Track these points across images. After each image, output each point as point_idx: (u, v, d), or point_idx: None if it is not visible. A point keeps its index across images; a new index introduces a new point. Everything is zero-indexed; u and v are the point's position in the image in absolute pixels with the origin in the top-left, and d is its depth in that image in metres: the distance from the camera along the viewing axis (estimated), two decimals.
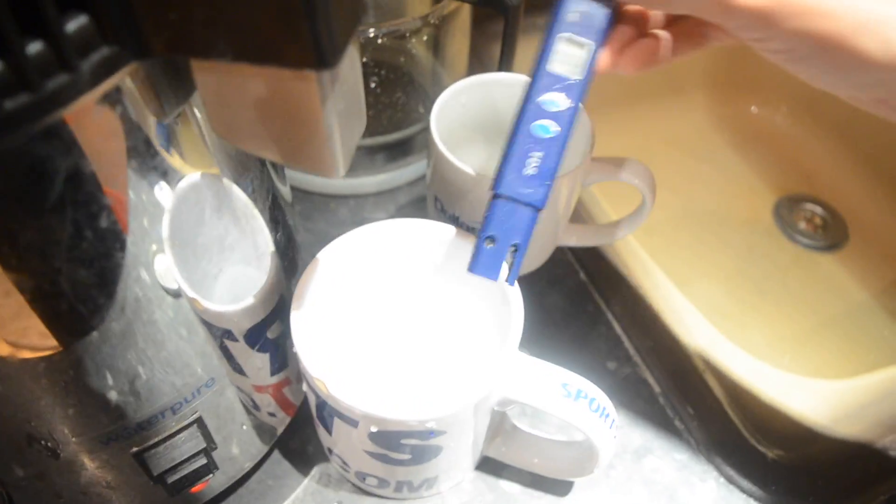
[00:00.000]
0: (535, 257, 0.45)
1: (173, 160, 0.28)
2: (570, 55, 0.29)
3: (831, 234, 0.70)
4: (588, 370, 0.47)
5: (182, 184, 0.28)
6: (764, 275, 0.68)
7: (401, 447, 0.34)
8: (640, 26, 0.32)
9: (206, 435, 0.35)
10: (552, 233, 0.44)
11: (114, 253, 0.27)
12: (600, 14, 0.29)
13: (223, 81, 0.23)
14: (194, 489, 0.37)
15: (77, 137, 0.22)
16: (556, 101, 0.29)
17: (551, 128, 0.29)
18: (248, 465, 0.41)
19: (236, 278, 0.34)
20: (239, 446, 0.40)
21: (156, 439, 0.33)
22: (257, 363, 0.37)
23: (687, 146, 0.77)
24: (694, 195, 0.72)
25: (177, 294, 0.30)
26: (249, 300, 0.34)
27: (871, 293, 0.67)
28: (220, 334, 0.34)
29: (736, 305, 0.65)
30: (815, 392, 0.50)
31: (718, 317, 0.54)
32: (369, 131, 0.51)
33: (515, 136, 0.30)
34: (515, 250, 0.32)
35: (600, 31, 0.29)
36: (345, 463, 0.40)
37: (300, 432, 0.44)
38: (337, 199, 0.56)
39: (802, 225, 0.71)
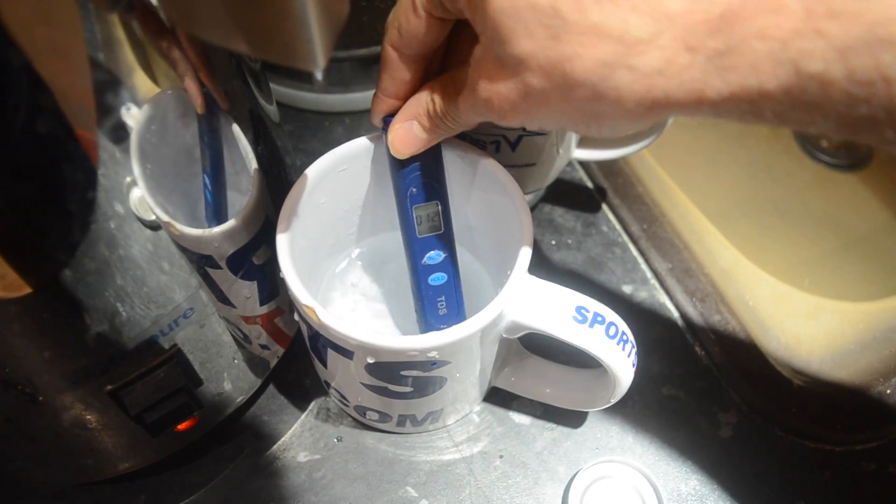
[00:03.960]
0: (544, 175, 0.42)
1: (132, 65, 0.24)
2: (427, 219, 0.34)
3: (854, 152, 0.66)
4: (603, 294, 0.45)
5: (146, 94, 0.25)
6: (783, 195, 0.64)
7: (401, 379, 0.32)
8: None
9: (188, 371, 0.32)
10: (563, 146, 0.40)
11: (72, 172, 0.23)
12: (434, 176, 0.33)
13: None
14: (181, 427, 0.35)
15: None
16: (434, 255, 0.34)
17: (442, 275, 0.35)
18: (241, 400, 0.38)
19: None
20: (230, 381, 0.37)
21: (131, 376, 0.30)
22: (244, 292, 0.34)
23: None
24: None
25: (152, 223, 0.27)
26: (230, 222, 0.31)
27: (894, 213, 0.63)
28: (200, 261, 0.31)
29: (754, 226, 0.61)
30: (843, 315, 0.48)
31: (736, 238, 0.51)
32: (363, 41, 0.47)
33: (419, 291, 0.35)
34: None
35: (439, 187, 0.33)
36: (343, 397, 0.37)
37: (296, 365, 0.41)
38: (331, 117, 0.52)
39: (824, 143, 0.67)
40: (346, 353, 0.30)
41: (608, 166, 0.49)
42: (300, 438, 0.39)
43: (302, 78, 0.50)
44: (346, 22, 0.24)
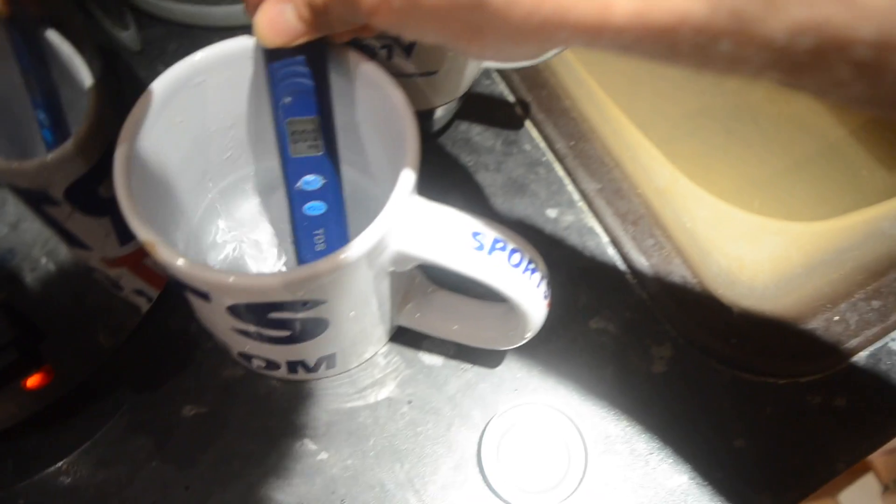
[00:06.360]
0: (450, 86, 0.37)
1: None
2: (303, 136, 0.28)
3: None
4: (525, 219, 0.40)
5: None
6: (732, 112, 0.61)
7: (273, 323, 0.27)
8: None
9: (19, 322, 0.27)
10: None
11: None
12: (313, 83, 0.28)
13: None
14: (32, 385, 0.30)
15: None
16: (312, 180, 0.29)
17: (321, 204, 0.30)
18: (111, 351, 0.34)
19: None
20: (98, 330, 0.33)
21: None
22: (97, 231, 0.29)
23: None
24: None
25: None
26: (59, 148, 0.26)
27: (848, 129, 0.60)
28: (34, 198, 0.26)
29: (701, 146, 0.58)
30: (790, 236, 0.44)
31: (681, 159, 0.47)
32: None
33: (294, 223, 0.30)
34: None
35: (321, 98, 0.28)
36: (225, 344, 0.33)
37: (179, 311, 0.37)
38: (223, 33, 0.46)
39: None
40: (202, 295, 0.26)
41: (532, 78, 0.44)
42: (185, 390, 0.35)
43: None
44: None
